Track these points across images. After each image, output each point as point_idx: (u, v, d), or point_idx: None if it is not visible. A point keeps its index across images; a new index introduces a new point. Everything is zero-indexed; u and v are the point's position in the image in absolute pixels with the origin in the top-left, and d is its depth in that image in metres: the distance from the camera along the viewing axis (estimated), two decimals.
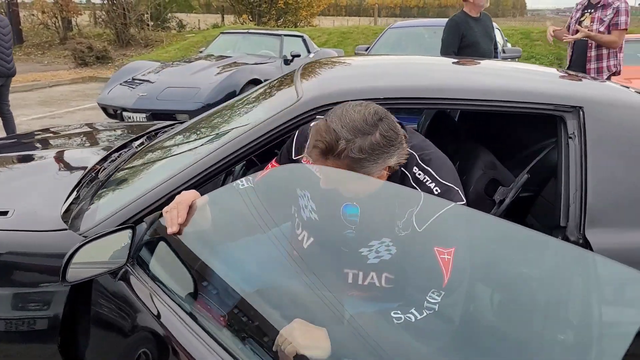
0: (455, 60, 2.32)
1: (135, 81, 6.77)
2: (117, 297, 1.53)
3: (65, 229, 1.66)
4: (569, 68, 4.77)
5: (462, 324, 1.45)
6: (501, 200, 1.81)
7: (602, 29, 4.53)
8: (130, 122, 6.26)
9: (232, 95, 6.46)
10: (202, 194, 1.54)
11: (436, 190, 1.40)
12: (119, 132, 3.10)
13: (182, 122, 2.92)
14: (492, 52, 4.91)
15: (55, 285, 1.59)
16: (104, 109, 6.63)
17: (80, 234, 1.63)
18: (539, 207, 2.35)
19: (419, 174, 1.42)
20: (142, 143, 2.56)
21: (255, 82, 6.90)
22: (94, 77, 12.81)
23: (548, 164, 2.27)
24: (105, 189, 1.95)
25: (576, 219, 1.55)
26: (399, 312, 1.28)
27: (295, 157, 1.59)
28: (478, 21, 4.80)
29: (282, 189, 1.51)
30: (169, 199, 1.62)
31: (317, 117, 1.67)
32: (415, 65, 2.16)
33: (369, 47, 7.40)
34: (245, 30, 9.34)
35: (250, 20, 20.55)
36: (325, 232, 1.44)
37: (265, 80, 7.04)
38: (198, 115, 5.90)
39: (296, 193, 1.47)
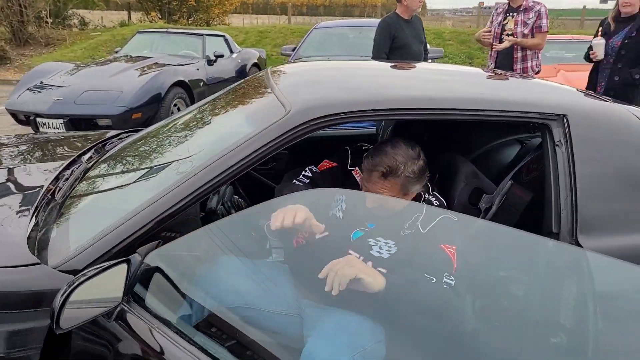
0: (435, 68, 2.33)
1: (48, 84, 6.29)
2: (107, 332, 1.39)
3: (37, 263, 1.48)
4: (495, 68, 5.00)
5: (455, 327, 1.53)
6: (487, 208, 1.83)
7: (526, 31, 4.78)
8: (46, 132, 5.82)
9: (157, 98, 6.18)
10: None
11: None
12: (50, 144, 2.84)
13: (135, 131, 2.72)
14: (422, 54, 5.03)
15: (31, 325, 1.41)
16: (14, 115, 6.11)
17: (54, 268, 1.46)
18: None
19: (429, 199, 1.82)
20: (91, 157, 2.36)
21: (181, 84, 6.65)
22: None
23: (502, 163, 2.35)
24: (69, 213, 1.76)
25: (568, 225, 1.60)
26: (430, 275, 1.46)
27: (349, 167, 1.93)
28: (409, 23, 4.89)
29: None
30: (155, 223, 1.49)
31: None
32: (400, 74, 2.15)
33: (295, 48, 7.36)
34: (164, 30, 8.96)
35: (160, 18, 19.80)
36: (343, 228, 1.65)
37: (190, 82, 6.86)
38: (123, 120, 5.66)
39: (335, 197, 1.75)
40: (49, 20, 16.59)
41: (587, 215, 1.60)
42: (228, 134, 1.77)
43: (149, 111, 6.05)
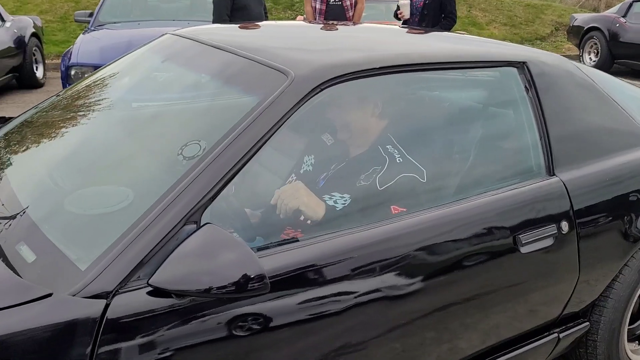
0: (408, 29, 2.36)
1: None
2: None
3: (49, 294, 1.14)
4: None
5: None
6: None
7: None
8: None
9: None
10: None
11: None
12: None
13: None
14: (262, 16, 4.88)
15: None
16: None
17: (74, 295, 1.15)
18: None
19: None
20: None
21: None
22: None
23: None
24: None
25: (546, 162, 1.78)
26: None
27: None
28: None
29: None
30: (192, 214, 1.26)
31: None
32: (381, 35, 2.16)
33: (92, 12, 6.53)
34: None
35: None
36: (309, 178, 1.75)
37: None
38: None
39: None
40: None
41: (560, 151, 1.79)
42: (220, 112, 1.62)
43: None
